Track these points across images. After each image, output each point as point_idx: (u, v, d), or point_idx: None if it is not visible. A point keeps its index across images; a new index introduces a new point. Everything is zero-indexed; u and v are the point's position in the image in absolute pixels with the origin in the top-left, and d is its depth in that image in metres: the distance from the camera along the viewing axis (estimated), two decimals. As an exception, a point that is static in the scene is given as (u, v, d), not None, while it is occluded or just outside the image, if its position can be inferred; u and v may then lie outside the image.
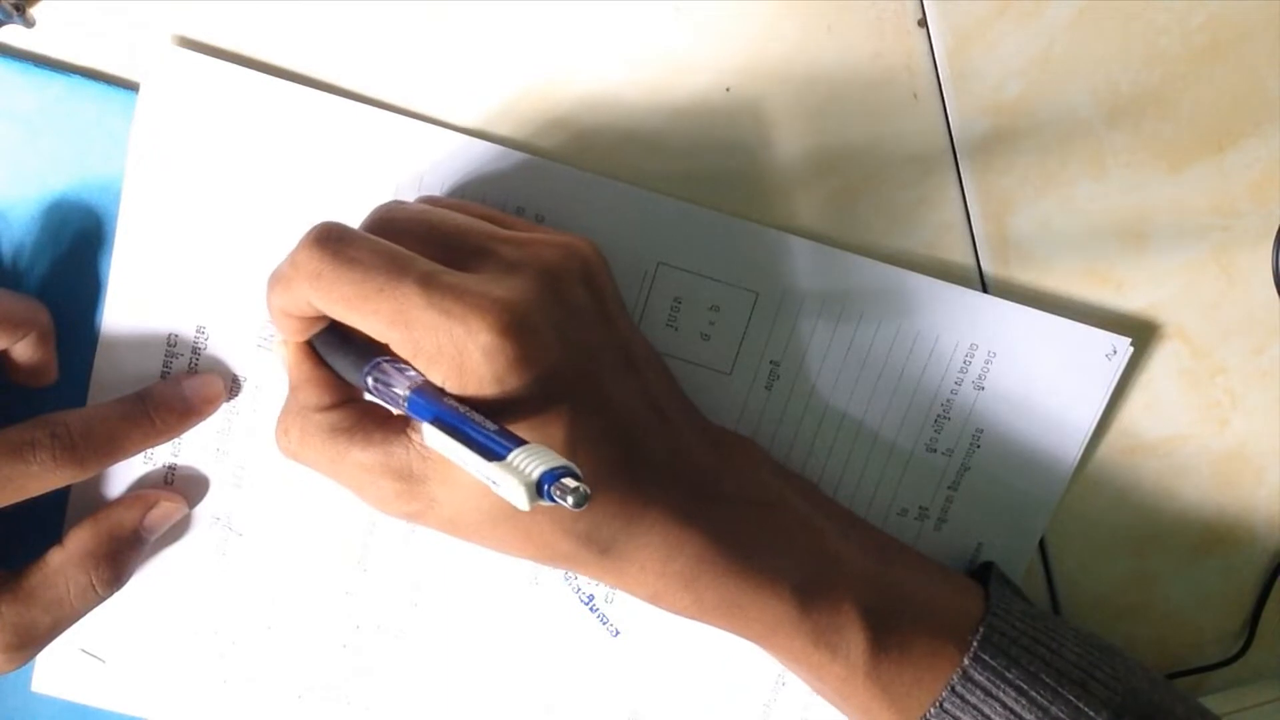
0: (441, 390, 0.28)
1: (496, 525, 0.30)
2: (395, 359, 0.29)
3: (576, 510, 0.24)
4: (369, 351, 0.30)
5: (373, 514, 0.37)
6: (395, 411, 0.30)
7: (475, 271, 0.29)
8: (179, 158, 0.34)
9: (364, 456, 0.30)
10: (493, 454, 0.25)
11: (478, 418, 0.26)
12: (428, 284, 0.28)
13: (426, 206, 0.32)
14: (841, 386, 0.37)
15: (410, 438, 0.30)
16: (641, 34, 0.34)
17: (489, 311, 0.27)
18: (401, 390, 0.28)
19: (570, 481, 0.24)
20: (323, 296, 0.28)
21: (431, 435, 0.27)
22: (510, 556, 0.31)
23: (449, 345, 0.27)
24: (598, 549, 0.31)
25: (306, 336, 0.31)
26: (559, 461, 0.24)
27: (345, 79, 0.35)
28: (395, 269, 0.28)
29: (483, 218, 0.32)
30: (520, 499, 0.24)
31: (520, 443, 0.25)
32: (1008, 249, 0.36)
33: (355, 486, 0.31)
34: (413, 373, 0.28)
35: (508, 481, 0.24)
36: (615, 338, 0.32)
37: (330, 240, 0.28)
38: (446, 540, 0.37)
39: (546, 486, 0.24)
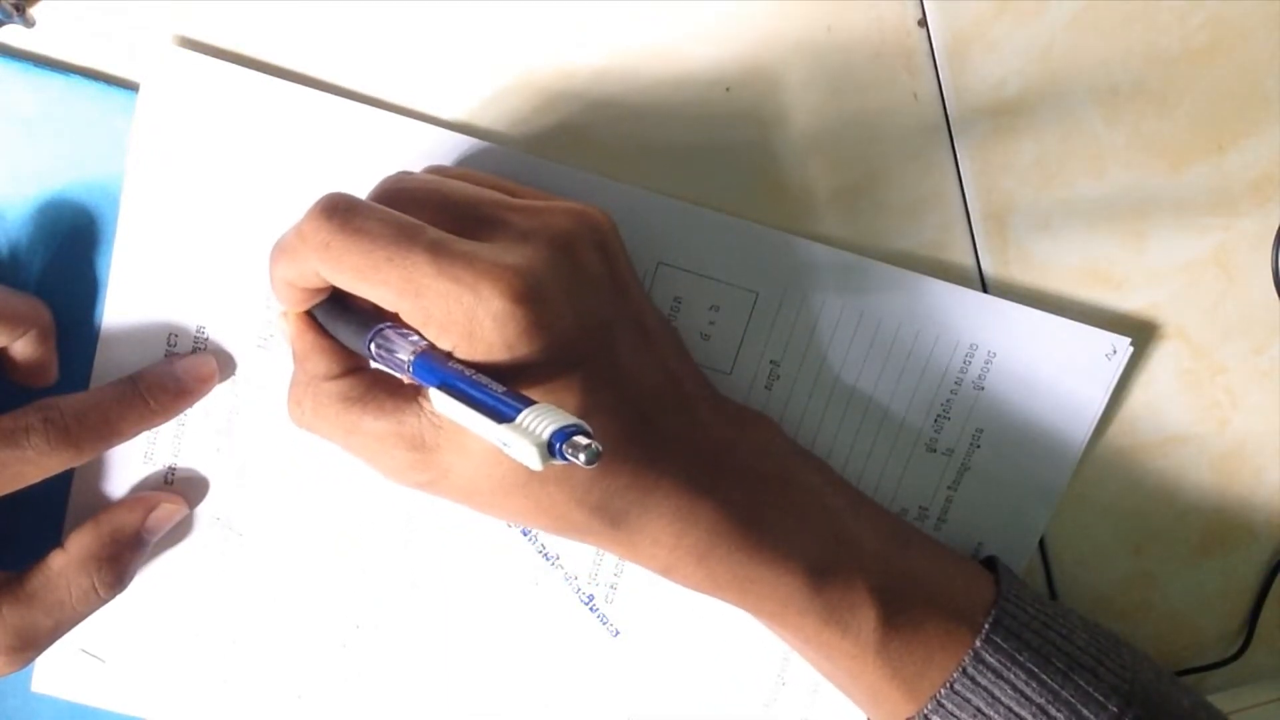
0: (448, 354, 0.28)
1: (510, 494, 0.29)
2: (398, 325, 0.29)
3: (589, 469, 0.23)
4: (371, 319, 0.29)
5: (373, 514, 0.37)
6: (404, 380, 0.29)
7: (487, 241, 0.29)
8: (179, 158, 0.34)
9: (376, 425, 0.29)
10: (502, 416, 0.24)
11: (485, 380, 0.26)
12: (437, 252, 0.27)
13: (436, 177, 0.32)
14: (841, 386, 0.37)
15: (422, 406, 0.29)
16: (641, 33, 0.34)
17: (500, 278, 0.27)
18: (405, 356, 0.28)
19: (582, 439, 0.23)
20: (331, 267, 0.28)
21: (439, 400, 0.26)
22: (527, 527, 0.31)
23: (459, 312, 0.27)
24: (610, 520, 0.30)
25: (309, 307, 0.31)
26: (569, 419, 0.24)
27: (345, 78, 0.35)
28: (404, 238, 0.27)
29: (492, 186, 0.32)
30: (532, 459, 0.23)
31: (529, 403, 0.25)
32: (1008, 249, 0.36)
33: (368, 456, 0.30)
34: (416, 338, 0.28)
35: (518, 442, 0.24)
36: (629, 306, 0.32)
37: (338, 211, 0.28)
38: (447, 540, 0.38)
39: (558, 445, 0.23)
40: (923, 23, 0.35)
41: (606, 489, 0.30)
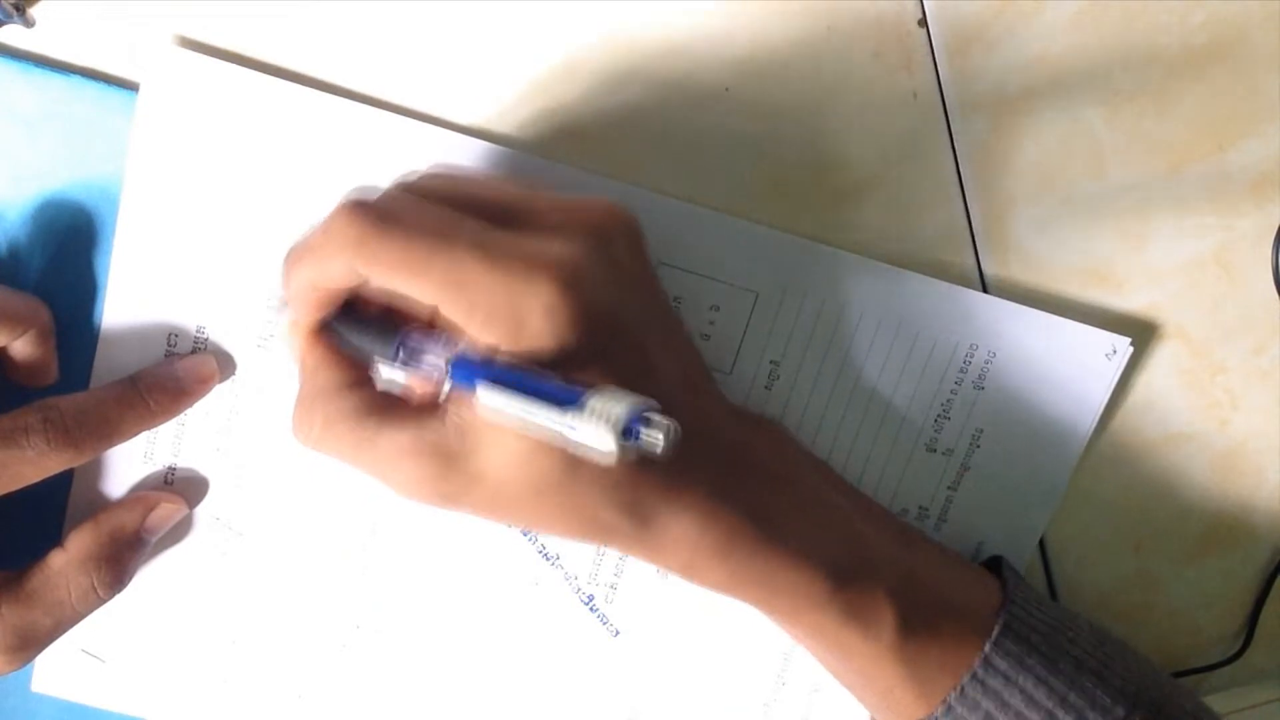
0: (493, 350, 0.27)
1: (541, 498, 0.28)
2: (421, 330, 0.28)
3: (660, 455, 0.22)
4: (389, 327, 0.29)
5: (373, 514, 0.37)
6: (423, 387, 0.29)
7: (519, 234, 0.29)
8: (179, 158, 0.34)
9: (398, 436, 0.28)
10: (564, 403, 0.23)
11: (537, 370, 0.25)
12: (483, 244, 0.27)
13: (456, 174, 0.31)
14: (841, 386, 0.37)
15: (446, 413, 0.28)
16: (641, 33, 0.34)
17: (549, 269, 0.27)
18: (439, 357, 0.27)
19: (659, 417, 0.22)
20: (366, 261, 0.27)
21: (488, 397, 0.25)
22: (550, 534, 0.30)
23: (506, 305, 0.27)
24: (640, 520, 0.30)
25: (323, 314, 0.30)
26: (642, 400, 0.23)
27: (345, 79, 0.35)
28: (446, 230, 0.27)
29: (499, 186, 0.31)
30: (605, 441, 0.22)
31: (591, 388, 0.23)
32: (1008, 249, 0.36)
33: (385, 471, 0.29)
34: (447, 338, 0.28)
35: (587, 427, 0.22)
36: (657, 304, 0.32)
37: (371, 206, 0.27)
38: (447, 540, 0.38)
39: (635, 428, 0.22)
40: (923, 22, 0.35)
41: (639, 487, 0.29)
